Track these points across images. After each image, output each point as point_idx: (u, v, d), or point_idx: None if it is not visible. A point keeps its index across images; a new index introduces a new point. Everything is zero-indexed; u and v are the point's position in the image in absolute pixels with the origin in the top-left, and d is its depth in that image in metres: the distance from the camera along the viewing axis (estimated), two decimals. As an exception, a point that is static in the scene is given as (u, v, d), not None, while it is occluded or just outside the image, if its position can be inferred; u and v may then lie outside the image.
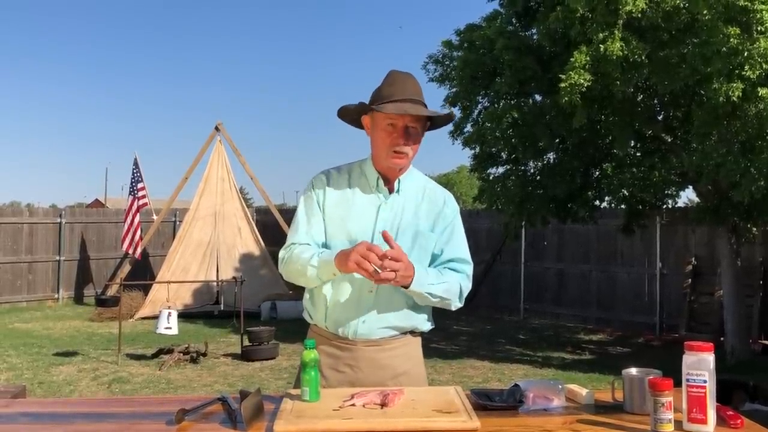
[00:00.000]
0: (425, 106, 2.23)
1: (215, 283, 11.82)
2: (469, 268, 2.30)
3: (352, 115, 2.30)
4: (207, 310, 11.63)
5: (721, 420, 1.77)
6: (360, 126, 2.31)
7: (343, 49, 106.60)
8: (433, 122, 2.30)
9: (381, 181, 2.27)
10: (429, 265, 2.25)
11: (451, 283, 2.22)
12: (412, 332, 2.31)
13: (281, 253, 2.28)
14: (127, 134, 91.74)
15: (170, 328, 8.30)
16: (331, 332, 2.25)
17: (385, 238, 2.07)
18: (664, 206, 9.43)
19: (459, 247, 2.31)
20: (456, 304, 2.26)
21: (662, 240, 10.54)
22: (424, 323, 2.31)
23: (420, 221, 2.26)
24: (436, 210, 2.29)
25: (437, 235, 2.27)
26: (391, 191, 2.27)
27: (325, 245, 2.24)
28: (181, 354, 8.00)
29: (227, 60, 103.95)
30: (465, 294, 2.28)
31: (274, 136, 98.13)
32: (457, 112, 9.35)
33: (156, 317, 9.17)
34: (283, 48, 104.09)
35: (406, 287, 2.10)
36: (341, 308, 2.21)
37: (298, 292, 11.51)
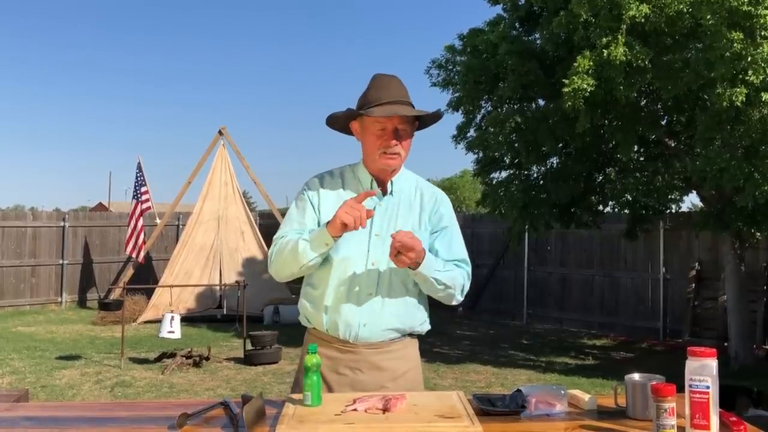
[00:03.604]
0: (412, 105, 2.26)
1: (218, 287, 11.83)
2: (469, 268, 2.34)
3: (340, 122, 2.33)
4: (210, 314, 11.63)
5: (724, 426, 1.77)
6: (349, 132, 2.34)
7: (347, 53, 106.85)
8: (422, 122, 2.33)
9: (374, 183, 2.29)
10: None
11: (456, 275, 2.27)
12: (411, 334, 2.34)
13: (270, 250, 2.28)
14: (130, 138, 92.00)
15: (173, 332, 8.31)
16: (332, 335, 2.26)
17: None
18: (668, 211, 9.43)
19: (458, 249, 2.34)
20: (457, 297, 2.29)
21: (666, 245, 10.51)
22: (422, 325, 2.35)
23: (416, 221, 2.29)
24: (431, 209, 2.32)
25: (434, 235, 2.31)
26: (384, 193, 2.29)
27: None
28: (184, 358, 8.00)
29: (231, 63, 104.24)
30: (465, 290, 2.32)
31: (277, 139, 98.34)
32: (460, 116, 9.37)
33: (159, 321, 9.19)
34: (288, 51, 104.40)
35: (414, 269, 2.13)
36: (341, 312, 2.22)
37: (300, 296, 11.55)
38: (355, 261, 2.21)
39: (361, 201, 2.08)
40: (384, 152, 2.22)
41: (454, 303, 2.31)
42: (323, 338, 2.28)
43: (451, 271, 2.25)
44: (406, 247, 2.04)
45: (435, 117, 2.32)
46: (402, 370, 2.28)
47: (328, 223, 2.10)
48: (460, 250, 2.34)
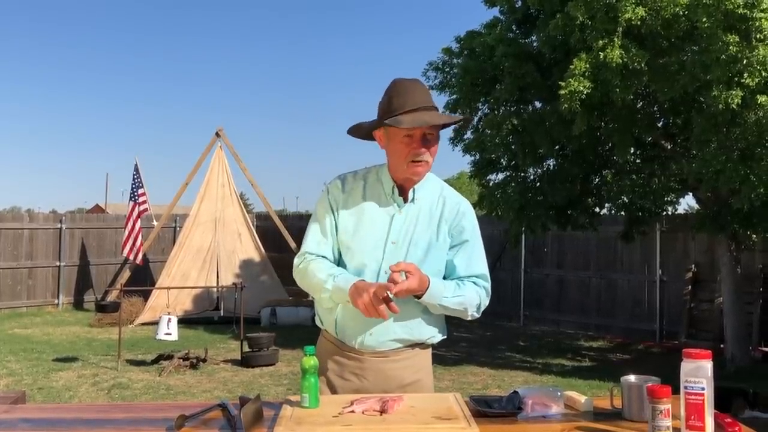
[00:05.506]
0: (437, 109, 2.21)
1: (215, 289, 11.82)
2: (488, 284, 2.28)
3: (363, 131, 2.27)
4: (207, 316, 11.62)
5: (719, 427, 1.78)
6: (371, 139, 2.27)
7: (344, 55, 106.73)
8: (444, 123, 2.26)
9: (396, 190, 2.22)
10: (444, 278, 2.23)
11: (469, 297, 2.21)
12: (421, 344, 2.29)
13: (296, 261, 2.27)
14: (127, 139, 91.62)
15: (170, 334, 8.29)
16: (339, 340, 2.25)
17: (393, 273, 2.05)
18: (664, 213, 9.44)
19: (478, 265, 2.27)
20: (473, 314, 2.24)
21: (662, 247, 10.54)
22: (434, 336, 2.29)
23: (435, 232, 2.22)
24: (452, 221, 2.24)
25: (454, 249, 2.24)
26: (406, 200, 2.23)
27: (338, 254, 2.25)
28: (181, 360, 8.00)
29: (229, 65, 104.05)
30: (483, 307, 2.26)
31: (274, 141, 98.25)
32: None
33: (156, 323, 9.17)
34: (285, 52, 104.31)
35: (419, 297, 2.11)
36: (350, 318, 2.20)
37: (297, 298, 11.54)
38: (368, 268, 2.17)
39: (381, 296, 2.01)
40: (412, 160, 2.15)
41: (468, 318, 2.27)
42: (332, 342, 2.27)
43: (461, 296, 2.18)
44: (402, 291, 2.02)
45: (463, 122, 2.28)
46: (409, 379, 2.24)
47: (352, 288, 2.06)
48: (480, 266, 2.26)
